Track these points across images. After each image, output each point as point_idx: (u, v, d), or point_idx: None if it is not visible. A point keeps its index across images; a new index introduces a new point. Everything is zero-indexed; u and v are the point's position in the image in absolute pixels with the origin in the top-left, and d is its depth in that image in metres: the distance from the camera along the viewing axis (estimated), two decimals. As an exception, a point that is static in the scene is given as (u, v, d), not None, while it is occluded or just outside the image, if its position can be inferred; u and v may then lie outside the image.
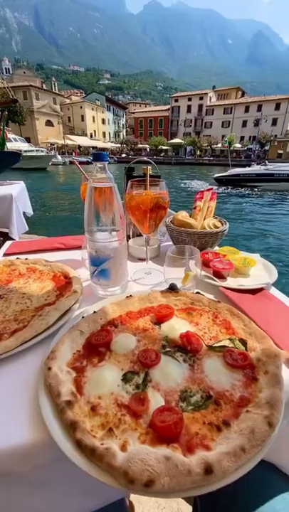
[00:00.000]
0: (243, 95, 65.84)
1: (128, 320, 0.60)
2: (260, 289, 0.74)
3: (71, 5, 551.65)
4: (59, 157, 33.04)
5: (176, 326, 0.57)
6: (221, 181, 15.52)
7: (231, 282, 0.78)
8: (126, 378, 0.45)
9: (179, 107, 62.94)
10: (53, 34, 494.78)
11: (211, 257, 0.87)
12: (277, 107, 50.02)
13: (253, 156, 38.55)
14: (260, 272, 0.83)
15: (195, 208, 1.07)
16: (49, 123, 52.96)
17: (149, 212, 0.71)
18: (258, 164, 19.12)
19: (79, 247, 0.99)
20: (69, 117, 62.49)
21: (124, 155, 53.43)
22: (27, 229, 2.75)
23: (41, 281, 0.76)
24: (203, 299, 0.65)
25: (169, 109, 65.92)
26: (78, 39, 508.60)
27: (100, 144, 57.38)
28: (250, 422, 0.37)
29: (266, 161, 20.91)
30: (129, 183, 0.72)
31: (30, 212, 3.06)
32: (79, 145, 52.02)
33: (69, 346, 0.51)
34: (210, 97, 59.73)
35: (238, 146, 46.99)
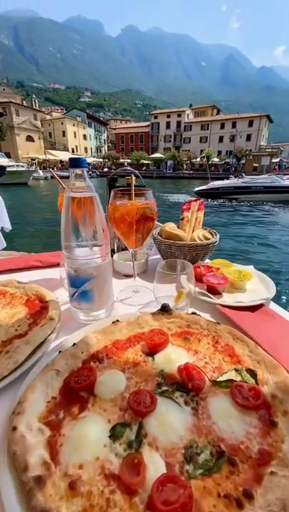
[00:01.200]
0: (218, 113, 69.42)
1: (115, 352, 0.51)
2: (260, 305, 0.67)
3: (51, 26, 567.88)
4: (40, 172, 32.73)
5: (173, 357, 0.48)
6: (201, 194, 15.89)
7: (228, 298, 0.71)
8: (115, 434, 0.36)
9: (158, 123, 65.18)
10: (33, 54, 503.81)
11: (204, 271, 0.80)
12: (251, 124, 53.07)
13: (230, 169, 40.30)
14: (256, 285, 0.77)
15: (183, 219, 1.01)
16: (30, 138, 52.77)
17: (135, 224, 0.64)
18: (235, 177, 19.87)
19: (57, 265, 0.89)
20: (50, 133, 62.69)
21: (106, 169, 54.02)
22: (4, 245, 2.58)
23: (12, 307, 0.65)
24: (200, 321, 0.57)
25: (149, 126, 68.05)
26: (58, 59, 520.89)
27: (81, 159, 57.59)
28: (278, 492, 0.28)
29: (243, 174, 21.80)
30: (113, 192, 0.65)
31: (8, 227, 2.90)
32: (61, 160, 52.02)
33: (42, 392, 0.41)
34: (187, 114, 62.46)
35: (215, 160, 49.02)
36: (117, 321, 0.58)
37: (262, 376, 0.43)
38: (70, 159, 0.52)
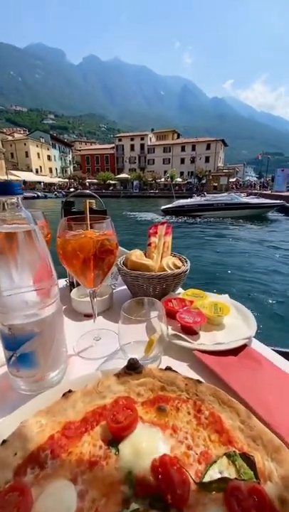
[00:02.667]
0: (178, 137, 74.19)
1: (65, 444, 0.36)
2: (243, 346, 0.58)
3: (11, 51, 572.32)
4: None
5: (144, 446, 0.35)
6: (167, 212, 16.45)
7: (206, 339, 0.61)
8: None
9: (123, 145, 67.45)
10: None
11: (176, 305, 0.70)
12: (208, 147, 57.43)
13: (193, 188, 42.71)
14: (235, 319, 0.68)
15: (150, 245, 0.92)
16: (-11, 159, 50.73)
17: (92, 260, 0.52)
18: (198, 196, 21.00)
19: None
20: (12, 153, 61.15)
21: (72, 189, 53.65)
22: None
23: None
24: (177, 380, 0.46)
25: (113, 148, 70.02)
26: (20, 82, 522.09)
27: (46, 179, 56.82)
28: None
29: (205, 193, 23.15)
30: (62, 222, 0.53)
31: None
32: (24, 180, 50.58)
33: None
34: (150, 138, 65.75)
35: (179, 180, 51.68)
36: (70, 391, 0.44)
37: (262, 465, 0.33)
38: (2, 185, 0.39)
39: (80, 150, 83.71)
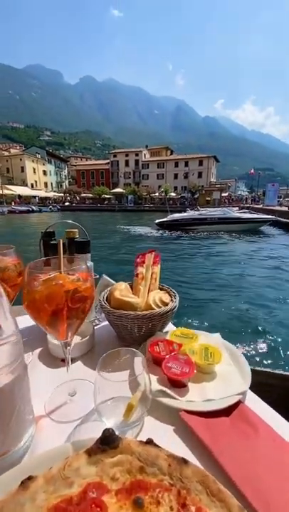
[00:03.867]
0: (172, 153, 76.33)
1: None
2: (236, 403, 0.52)
3: (10, 71, 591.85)
4: (-5, 207, 31.22)
5: None
6: (162, 226, 16.57)
7: (194, 393, 0.54)
8: None
9: (118, 161, 68.88)
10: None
11: (163, 349, 0.63)
12: (201, 163, 59.04)
13: (186, 202, 43.47)
14: (227, 366, 0.62)
15: (137, 276, 0.86)
16: (-16, 173, 51.03)
17: (64, 311, 0.45)
18: (191, 210, 21.31)
19: None
20: (8, 168, 61.69)
21: (67, 203, 54.06)
22: None
23: None
24: (159, 459, 0.39)
25: (109, 163, 71.40)
26: (17, 100, 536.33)
27: (41, 194, 57.14)
28: None
29: (198, 207, 23.52)
30: (27, 268, 0.47)
31: None
32: (19, 194, 50.78)
33: None
34: (144, 154, 67.41)
35: (172, 194, 52.59)
36: (30, 478, 0.36)
37: None
38: None
39: (75, 165, 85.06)
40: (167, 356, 0.60)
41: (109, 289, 0.82)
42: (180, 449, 0.45)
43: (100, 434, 0.42)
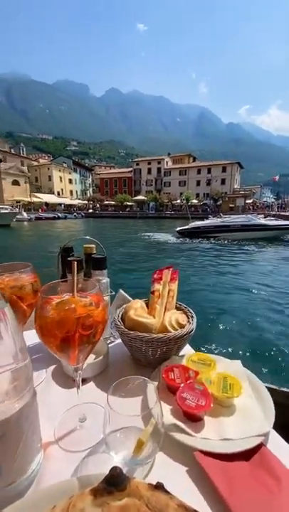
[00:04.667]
0: (194, 160, 76.07)
1: None
2: (257, 446, 0.47)
3: (41, 87, 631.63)
4: (24, 214, 32.93)
5: None
6: (183, 233, 16.42)
7: (211, 429, 0.50)
8: None
9: (140, 169, 70.01)
10: (25, 109, 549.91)
11: (178, 376, 0.60)
12: (224, 170, 58.15)
13: (208, 209, 42.88)
14: (248, 398, 0.57)
15: (153, 293, 0.84)
16: (16, 182, 54.21)
17: (75, 337, 0.44)
18: (214, 217, 20.94)
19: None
20: (36, 177, 65.06)
21: (91, 210, 55.78)
22: None
23: None
24: (168, 509, 0.35)
25: (131, 171, 72.80)
26: (47, 114, 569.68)
27: (67, 201, 59.44)
28: None
29: (221, 214, 23.08)
30: (40, 296, 0.46)
31: None
32: (46, 202, 53.29)
33: None
34: (166, 162, 67.89)
35: (194, 201, 52.18)
36: (32, 519, 0.35)
37: None
38: None
39: (99, 174, 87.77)
40: (182, 385, 0.56)
41: (124, 306, 0.80)
42: (192, 495, 0.41)
43: (108, 471, 0.39)
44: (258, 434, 0.48)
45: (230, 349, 3.12)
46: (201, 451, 0.45)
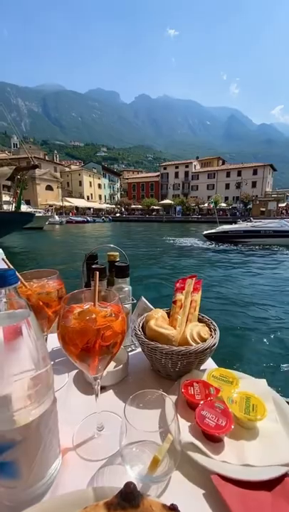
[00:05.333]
0: (223, 163, 74.34)
1: None
2: (281, 477, 0.44)
3: (74, 96, 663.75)
4: (56, 217, 34.63)
5: None
6: (210, 238, 16.04)
7: (231, 452, 0.48)
8: None
9: (167, 173, 70.09)
10: (58, 118, 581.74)
11: (198, 392, 0.58)
12: (255, 173, 55.98)
13: (238, 213, 41.47)
14: (272, 422, 0.53)
15: (175, 303, 0.83)
16: (49, 187, 57.28)
17: (95, 347, 0.45)
18: (243, 221, 20.19)
19: None
20: (68, 183, 68.20)
21: (118, 214, 57.03)
22: None
23: None
24: (182, 533, 0.34)
25: (158, 176, 73.15)
26: (79, 121, 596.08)
27: (95, 205, 61.42)
28: None
29: (251, 218, 22.18)
30: (63, 305, 0.48)
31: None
32: (76, 206, 55.58)
33: None
34: (194, 165, 67.19)
35: (223, 205, 50.82)
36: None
37: None
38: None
39: (127, 178, 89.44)
40: (202, 402, 0.55)
41: (145, 315, 0.80)
42: (209, 521, 0.39)
43: (122, 485, 0.39)
44: (282, 464, 0.44)
45: (255, 367, 2.93)
46: (219, 475, 0.43)
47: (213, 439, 0.50)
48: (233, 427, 0.49)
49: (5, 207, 12.39)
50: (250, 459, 0.46)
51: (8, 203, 13.22)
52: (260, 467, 0.45)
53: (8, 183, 11.89)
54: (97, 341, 0.45)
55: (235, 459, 0.47)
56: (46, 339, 0.71)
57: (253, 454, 0.47)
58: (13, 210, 11.86)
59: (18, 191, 12.32)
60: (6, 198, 13.28)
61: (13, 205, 12.18)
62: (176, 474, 0.46)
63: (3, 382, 0.36)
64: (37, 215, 26.49)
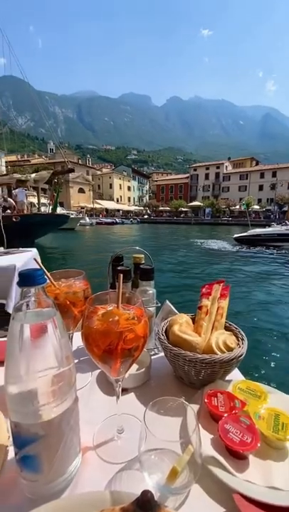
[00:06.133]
0: (257, 164, 71.25)
1: None
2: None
3: (107, 102, 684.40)
4: (87, 219, 35.95)
5: None
6: (241, 241, 15.45)
7: (256, 471, 0.45)
8: None
9: (197, 175, 69.07)
10: (91, 123, 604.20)
11: (222, 404, 0.56)
12: (292, 173, 52.87)
13: (272, 216, 39.37)
14: (305, 444, 0.49)
15: (200, 309, 0.80)
16: (81, 190, 59.68)
17: (117, 350, 0.45)
18: (278, 224, 19.14)
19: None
20: (99, 185, 70.50)
21: (146, 216, 57.47)
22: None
23: None
24: None
25: (188, 177, 72.36)
26: (111, 126, 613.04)
27: (124, 207, 62.64)
28: None
29: (287, 222, 20.93)
30: (87, 306, 0.49)
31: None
32: (106, 208, 57.19)
33: None
34: (226, 166, 65.30)
35: (256, 207, 48.66)
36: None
37: None
38: (20, 275, 0.39)
39: (156, 180, 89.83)
40: (226, 415, 0.52)
41: (169, 319, 0.79)
42: None
43: (139, 491, 0.39)
44: (314, 492, 0.40)
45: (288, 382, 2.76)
46: (242, 495, 0.41)
47: (236, 456, 0.47)
48: (259, 445, 0.46)
49: (42, 209, 13.13)
50: (277, 481, 0.43)
51: (44, 205, 13.99)
52: (287, 492, 0.41)
53: (46, 186, 12.59)
54: (119, 344, 0.45)
55: (261, 479, 0.43)
56: (72, 337, 0.73)
57: (280, 477, 0.43)
58: (49, 212, 12.53)
59: (55, 194, 12.98)
60: (42, 200, 14.08)
61: (50, 207, 12.85)
62: (195, 488, 0.44)
63: (29, 377, 0.38)
64: (70, 217, 27.80)
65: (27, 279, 0.38)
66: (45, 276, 0.42)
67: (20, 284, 0.39)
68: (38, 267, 0.60)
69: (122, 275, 0.53)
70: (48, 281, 0.68)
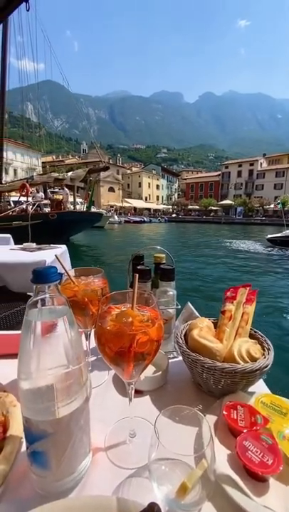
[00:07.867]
0: (295, 160, 66.68)
1: None
2: None
3: (138, 101, 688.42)
4: (116, 217, 36.65)
5: None
6: (274, 242, 14.61)
7: (276, 498, 0.41)
8: None
9: (229, 172, 66.68)
10: (123, 123, 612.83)
11: (242, 418, 0.51)
12: None
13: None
14: None
15: (223, 313, 0.76)
16: (111, 189, 60.96)
17: (130, 353, 0.44)
18: None
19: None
20: (128, 184, 71.39)
21: (174, 215, 56.98)
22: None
23: None
24: None
25: (219, 175, 70.17)
26: (142, 125, 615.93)
27: (153, 206, 62.74)
28: None
29: None
30: (100, 306, 0.48)
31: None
32: (134, 207, 57.79)
33: None
34: (260, 163, 62.11)
35: (293, 206, 45.60)
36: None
37: None
38: (34, 272, 0.39)
39: (185, 179, 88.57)
40: (245, 431, 0.48)
41: (189, 323, 0.76)
42: None
43: (146, 502, 0.37)
44: None
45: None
46: (261, 525, 0.37)
47: (255, 477, 0.43)
48: (281, 468, 0.42)
49: (77, 207, 13.65)
50: (301, 512, 0.38)
51: (77, 203, 14.53)
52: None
53: (81, 184, 13.04)
54: (131, 346, 0.44)
55: (282, 507, 0.39)
56: (90, 335, 0.74)
57: (305, 508, 0.39)
58: (84, 210, 12.98)
59: (90, 192, 13.41)
60: (77, 199, 14.63)
61: (85, 205, 13.31)
62: (207, 506, 0.41)
63: (38, 374, 0.38)
64: (102, 215, 28.55)
65: (40, 276, 0.38)
66: (60, 274, 0.41)
67: (33, 280, 0.39)
68: (66, 263, 0.62)
69: (137, 275, 0.51)
70: (63, 278, 0.69)
